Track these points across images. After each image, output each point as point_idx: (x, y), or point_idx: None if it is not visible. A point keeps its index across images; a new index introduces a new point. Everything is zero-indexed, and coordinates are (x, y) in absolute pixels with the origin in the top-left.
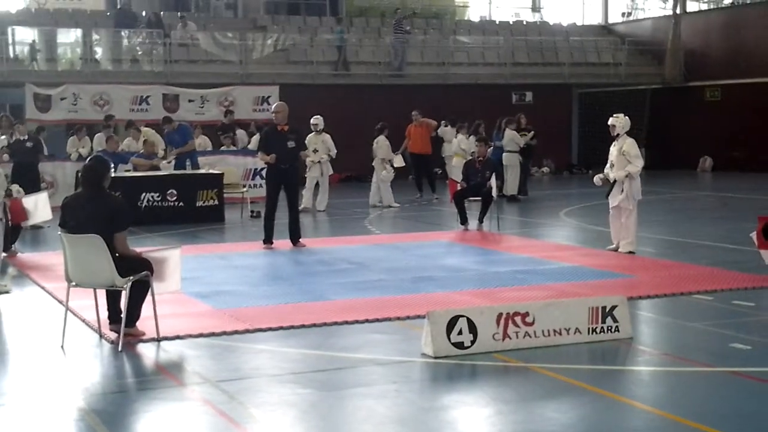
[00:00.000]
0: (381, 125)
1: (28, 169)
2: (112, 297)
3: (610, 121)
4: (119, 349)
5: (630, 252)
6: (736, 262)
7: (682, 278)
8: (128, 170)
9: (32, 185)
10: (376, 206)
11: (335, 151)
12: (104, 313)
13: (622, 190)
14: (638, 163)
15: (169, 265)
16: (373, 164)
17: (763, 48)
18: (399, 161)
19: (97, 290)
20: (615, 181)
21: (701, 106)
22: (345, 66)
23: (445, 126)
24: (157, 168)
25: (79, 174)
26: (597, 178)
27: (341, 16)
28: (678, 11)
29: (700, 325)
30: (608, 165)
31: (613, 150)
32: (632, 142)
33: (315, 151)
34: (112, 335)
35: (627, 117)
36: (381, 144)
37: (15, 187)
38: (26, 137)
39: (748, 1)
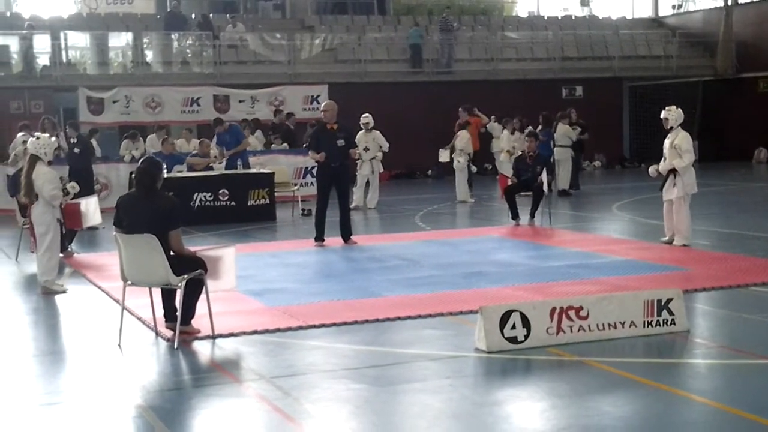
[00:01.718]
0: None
1: (80, 173)
2: (168, 295)
3: (663, 114)
4: (175, 346)
5: (684, 245)
6: None
7: (738, 270)
8: (181, 171)
9: (85, 189)
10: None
11: (387, 145)
12: (160, 312)
13: (675, 184)
14: (687, 158)
15: (224, 263)
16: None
17: None
18: (445, 156)
19: (153, 289)
20: (667, 174)
21: (754, 98)
22: (420, 64)
23: (495, 122)
24: (211, 167)
25: (133, 176)
26: (652, 169)
27: (386, 15)
28: (729, 2)
29: (757, 317)
30: (663, 158)
31: (666, 143)
32: (685, 135)
33: (366, 149)
34: (168, 333)
35: (680, 109)
36: (462, 137)
37: (70, 185)
38: (75, 141)
39: None
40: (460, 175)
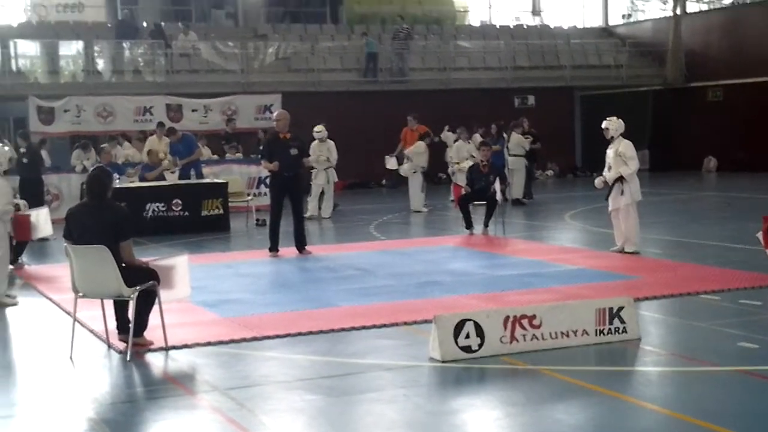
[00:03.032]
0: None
1: (29, 183)
2: (120, 307)
3: (604, 124)
4: (128, 358)
5: (634, 252)
6: (743, 261)
7: (689, 278)
8: (133, 180)
9: (35, 200)
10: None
11: (336, 158)
12: (112, 324)
13: (622, 192)
14: (633, 165)
15: (177, 272)
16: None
17: (764, 47)
18: (393, 164)
19: (105, 300)
20: (613, 183)
21: (704, 107)
22: (374, 73)
23: (448, 131)
24: (163, 177)
25: (83, 185)
26: (598, 181)
27: (340, 24)
28: (678, 12)
29: (707, 324)
30: (606, 167)
31: (610, 152)
32: (628, 143)
33: (327, 159)
34: (121, 345)
35: (620, 120)
36: (419, 147)
37: (22, 203)
38: (24, 151)
39: (748, 1)
40: (414, 184)
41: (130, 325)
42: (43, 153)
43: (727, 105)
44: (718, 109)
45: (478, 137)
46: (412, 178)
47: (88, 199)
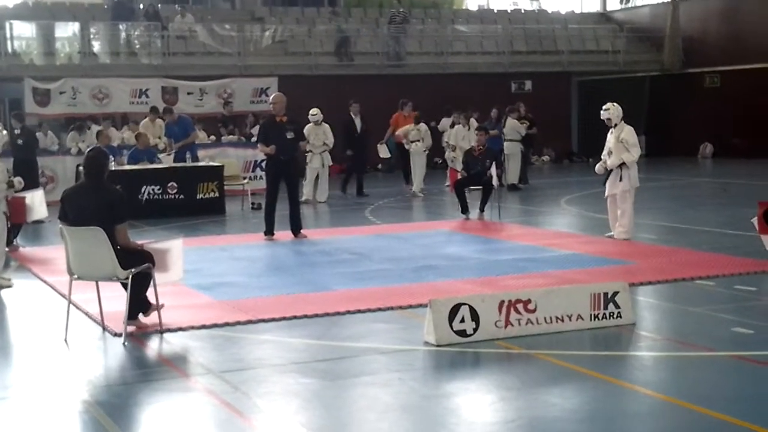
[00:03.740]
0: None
1: (23, 165)
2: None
3: (603, 114)
4: (123, 341)
5: (625, 239)
6: (737, 247)
7: (684, 264)
8: (124, 164)
9: (30, 181)
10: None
11: (332, 141)
12: (107, 306)
13: (621, 178)
14: (635, 152)
15: (171, 255)
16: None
17: (761, 33)
18: (384, 151)
19: (99, 283)
20: (612, 168)
21: (701, 93)
22: (348, 56)
23: (445, 118)
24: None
25: (80, 165)
26: (599, 167)
27: (336, 9)
28: None
29: (701, 310)
30: (605, 152)
31: (611, 138)
32: (630, 129)
33: (324, 143)
34: (118, 328)
35: (618, 105)
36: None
37: (17, 179)
38: (18, 132)
39: None
40: (421, 165)
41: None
42: (49, 134)
43: (724, 91)
44: (715, 95)
45: (474, 122)
46: (420, 157)
47: (85, 179)
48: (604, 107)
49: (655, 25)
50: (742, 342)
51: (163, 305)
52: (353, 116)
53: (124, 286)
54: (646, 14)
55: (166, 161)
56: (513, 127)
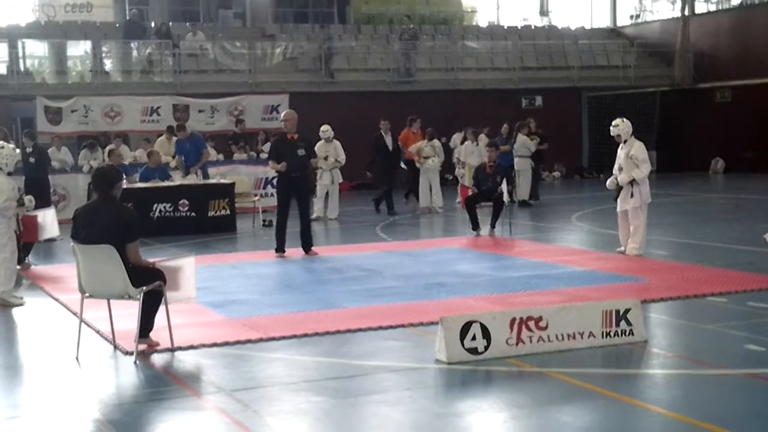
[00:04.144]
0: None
1: (35, 184)
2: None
3: (613, 131)
4: (134, 359)
5: (637, 255)
6: (750, 263)
7: (696, 280)
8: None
9: (42, 200)
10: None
11: (344, 157)
12: (118, 324)
13: (632, 194)
14: (645, 168)
15: (184, 273)
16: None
17: None
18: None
19: (111, 301)
20: (623, 185)
21: (712, 108)
22: (329, 74)
23: (456, 133)
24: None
25: (91, 180)
26: (610, 182)
27: (347, 25)
28: (686, 13)
29: (714, 327)
30: (616, 168)
31: (621, 153)
32: (640, 145)
33: (326, 158)
34: (129, 347)
35: (627, 121)
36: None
37: (27, 198)
38: (30, 150)
39: (756, 2)
40: (437, 181)
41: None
42: (63, 149)
43: (735, 106)
44: (726, 110)
45: (484, 137)
46: (434, 174)
47: (96, 195)
48: (613, 123)
49: (666, 41)
50: (755, 359)
51: (158, 344)
52: (383, 134)
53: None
54: (656, 29)
55: (178, 179)
56: (523, 143)
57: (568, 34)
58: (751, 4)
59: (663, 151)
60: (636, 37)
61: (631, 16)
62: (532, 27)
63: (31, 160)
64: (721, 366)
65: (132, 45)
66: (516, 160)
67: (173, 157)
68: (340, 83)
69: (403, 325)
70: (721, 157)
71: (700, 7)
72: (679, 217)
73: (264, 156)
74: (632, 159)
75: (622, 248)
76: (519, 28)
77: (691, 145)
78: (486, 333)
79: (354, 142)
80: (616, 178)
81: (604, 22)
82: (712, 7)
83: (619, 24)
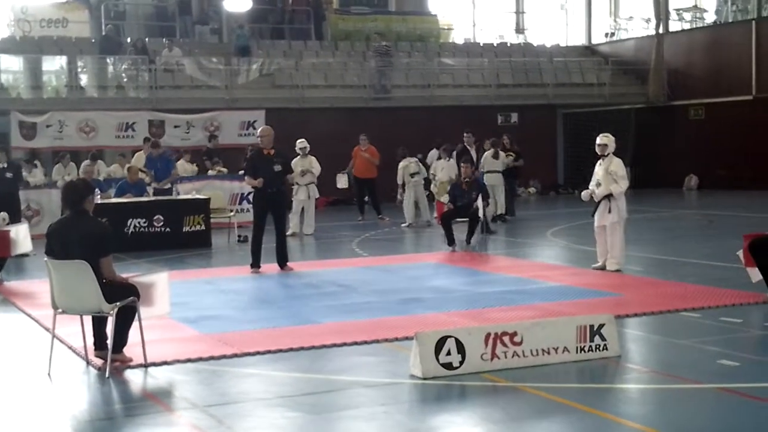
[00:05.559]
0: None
1: (7, 199)
2: (99, 323)
3: (601, 140)
4: (106, 375)
5: (617, 270)
6: (723, 279)
7: (670, 296)
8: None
9: (14, 215)
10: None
11: (319, 170)
12: (91, 340)
13: (610, 210)
14: (623, 184)
15: (157, 289)
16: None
17: (745, 66)
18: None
19: (84, 317)
20: (600, 199)
21: (685, 125)
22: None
23: (434, 149)
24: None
25: (61, 194)
26: (585, 193)
27: (324, 41)
28: (661, 31)
29: (688, 342)
30: (593, 183)
31: (599, 170)
32: (619, 162)
33: (303, 174)
34: (99, 362)
35: (612, 137)
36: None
37: (1, 215)
38: (5, 166)
39: (730, 20)
40: (421, 194)
41: (108, 342)
42: (38, 167)
43: (708, 123)
44: (699, 127)
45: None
46: (420, 189)
47: (66, 208)
48: (601, 136)
49: (640, 58)
50: (728, 374)
51: (131, 359)
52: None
53: (96, 319)
54: (630, 47)
55: (151, 194)
56: (486, 159)
57: (544, 52)
58: (724, 23)
59: (637, 168)
60: (611, 55)
61: (606, 34)
62: (508, 44)
63: (8, 174)
64: (695, 380)
65: (108, 60)
66: (486, 176)
67: (143, 168)
68: (317, 99)
69: (378, 341)
70: (694, 173)
71: (675, 26)
72: (654, 233)
73: (241, 172)
74: (611, 174)
75: (600, 263)
76: (495, 45)
77: (665, 161)
78: (461, 348)
79: (330, 158)
80: (593, 192)
81: (579, 39)
82: (686, 26)
83: (594, 42)
